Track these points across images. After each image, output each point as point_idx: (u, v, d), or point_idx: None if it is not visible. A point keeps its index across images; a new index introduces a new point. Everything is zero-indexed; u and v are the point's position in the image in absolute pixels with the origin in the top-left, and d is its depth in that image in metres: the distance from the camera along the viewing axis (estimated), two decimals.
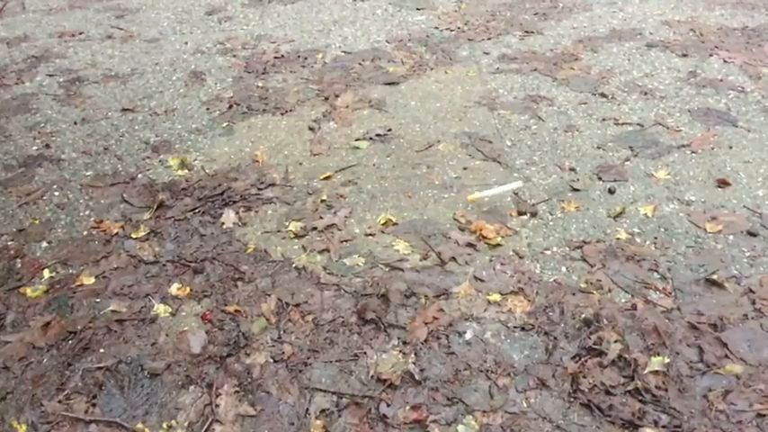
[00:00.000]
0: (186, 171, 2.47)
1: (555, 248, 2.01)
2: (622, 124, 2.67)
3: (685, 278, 1.88)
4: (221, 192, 2.32)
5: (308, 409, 1.54)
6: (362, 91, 3.03)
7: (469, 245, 2.03)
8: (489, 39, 3.55)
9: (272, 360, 1.66)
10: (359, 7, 4.12)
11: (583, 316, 1.75)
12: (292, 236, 2.10)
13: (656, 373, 1.58)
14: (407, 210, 2.21)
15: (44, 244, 2.11)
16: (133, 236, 2.12)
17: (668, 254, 1.97)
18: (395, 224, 2.14)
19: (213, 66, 3.36)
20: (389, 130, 2.69)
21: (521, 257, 1.97)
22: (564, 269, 1.93)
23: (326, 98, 2.98)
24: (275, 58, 3.42)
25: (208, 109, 2.93)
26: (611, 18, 3.77)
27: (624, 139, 2.56)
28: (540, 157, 2.47)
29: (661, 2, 3.98)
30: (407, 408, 1.53)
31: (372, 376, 1.61)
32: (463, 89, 3.01)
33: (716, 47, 3.32)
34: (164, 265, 2.00)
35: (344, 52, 3.47)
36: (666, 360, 1.60)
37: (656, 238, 2.04)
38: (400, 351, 1.67)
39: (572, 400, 1.54)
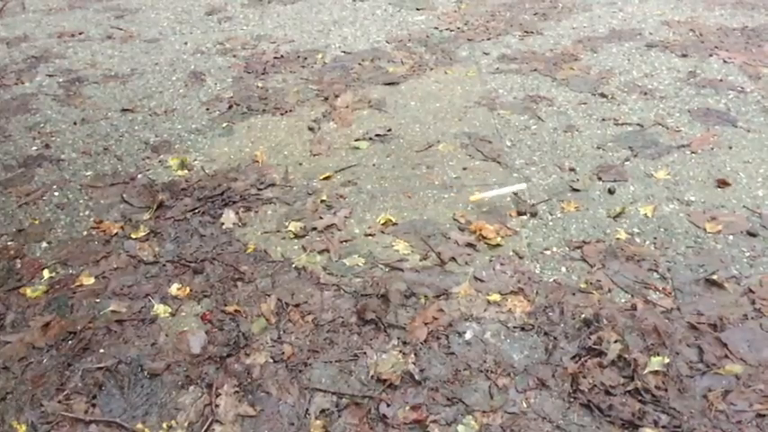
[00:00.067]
0: (186, 171, 2.47)
1: (555, 248, 2.01)
2: (622, 124, 2.67)
3: (685, 278, 1.88)
4: (221, 192, 2.32)
5: (307, 410, 1.54)
6: (362, 91, 3.03)
7: (469, 245, 2.03)
8: (489, 39, 3.56)
9: (271, 360, 1.66)
10: (358, 7, 4.12)
11: (583, 316, 1.75)
12: (292, 236, 2.10)
13: (655, 373, 1.58)
14: (407, 210, 2.21)
15: (44, 244, 2.11)
16: (133, 236, 2.12)
17: (668, 254, 1.97)
18: (395, 224, 2.14)
19: (213, 66, 3.36)
20: (389, 130, 2.69)
21: (521, 257, 1.98)
22: (564, 269, 1.93)
23: (326, 98, 2.98)
24: (275, 58, 3.42)
25: (207, 109, 2.93)
26: (610, 18, 3.78)
27: (624, 140, 2.56)
28: (539, 157, 2.47)
29: (661, 2, 3.98)
30: (407, 408, 1.53)
31: (372, 376, 1.61)
32: (463, 89, 3.01)
33: (716, 47, 3.32)
34: (163, 265, 2.00)
35: (344, 52, 3.47)
36: (666, 360, 1.60)
37: (655, 238, 2.04)
38: (400, 351, 1.67)
39: (572, 400, 1.54)
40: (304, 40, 3.65)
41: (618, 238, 2.04)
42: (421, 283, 1.88)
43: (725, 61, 3.16)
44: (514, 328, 1.73)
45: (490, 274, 1.91)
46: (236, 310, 1.81)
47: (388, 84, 3.08)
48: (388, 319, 1.76)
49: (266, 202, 2.27)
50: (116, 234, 2.14)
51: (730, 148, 2.48)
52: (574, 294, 1.83)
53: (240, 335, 1.74)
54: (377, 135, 2.65)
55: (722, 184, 2.27)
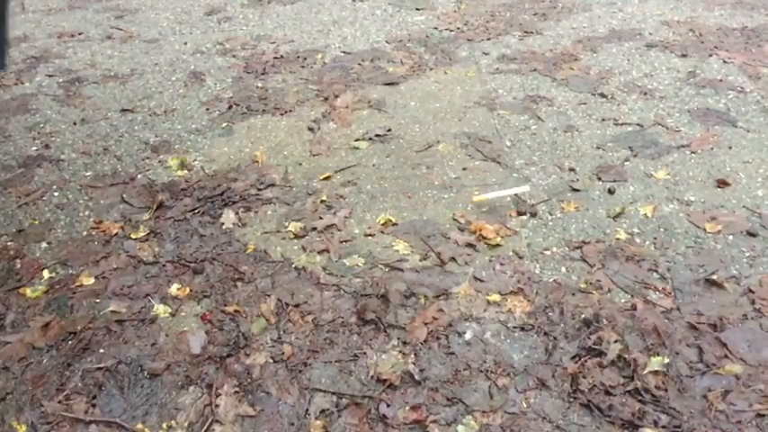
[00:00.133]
0: (186, 171, 2.47)
1: (554, 249, 2.01)
2: (622, 124, 2.67)
3: (685, 278, 1.88)
4: (221, 192, 2.32)
5: (307, 410, 1.54)
6: (362, 91, 3.03)
7: (469, 245, 2.03)
8: (489, 39, 3.56)
9: (271, 360, 1.66)
10: (358, 8, 4.12)
11: (582, 316, 1.75)
12: (292, 236, 2.10)
13: (655, 373, 1.58)
14: (407, 210, 2.21)
15: (44, 244, 2.11)
16: (133, 236, 2.12)
17: (668, 254, 1.97)
18: (394, 224, 2.14)
19: (213, 66, 3.36)
20: (389, 130, 2.69)
21: (520, 258, 1.98)
22: (564, 269, 1.93)
23: (326, 98, 2.98)
24: (275, 58, 3.42)
25: (207, 109, 2.93)
26: (610, 18, 3.78)
27: (624, 140, 2.56)
28: (539, 157, 2.47)
29: (660, 2, 3.98)
30: (407, 408, 1.53)
31: (372, 376, 1.61)
32: (463, 89, 3.02)
33: (715, 47, 3.32)
34: (163, 265, 2.00)
35: (344, 52, 3.47)
36: (666, 360, 1.60)
37: (655, 238, 2.04)
38: (400, 351, 1.67)
39: (572, 400, 1.54)
40: (304, 40, 3.65)
41: (618, 238, 2.04)
42: (421, 284, 1.88)
43: (725, 61, 3.16)
44: (514, 328, 1.73)
45: (490, 274, 1.91)
46: (236, 311, 1.81)
47: (388, 84, 3.08)
48: (387, 320, 1.76)
49: (266, 203, 2.27)
50: (116, 234, 2.14)
51: (730, 148, 2.48)
52: (574, 294, 1.83)
53: (240, 335, 1.74)
54: (377, 135, 2.65)
55: (722, 184, 2.27)
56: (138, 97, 3.06)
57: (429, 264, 1.96)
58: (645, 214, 2.14)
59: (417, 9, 4.06)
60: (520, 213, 2.16)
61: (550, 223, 2.12)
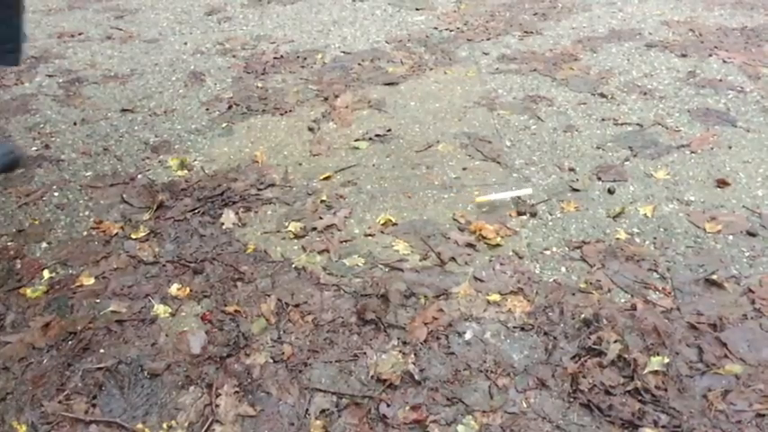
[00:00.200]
0: (186, 171, 2.47)
1: (554, 248, 2.01)
2: (622, 124, 2.67)
3: (685, 278, 1.88)
4: (221, 192, 2.33)
5: (307, 410, 1.54)
6: (362, 91, 3.03)
7: (469, 245, 2.03)
8: (488, 39, 3.56)
9: (271, 360, 1.67)
10: (358, 8, 4.12)
11: (582, 316, 1.75)
12: (292, 236, 2.10)
13: (655, 373, 1.58)
14: (407, 210, 2.21)
15: (44, 244, 2.11)
16: (133, 236, 2.12)
17: (668, 254, 1.98)
18: (394, 224, 2.14)
19: (213, 66, 3.36)
20: (389, 130, 2.69)
21: (520, 258, 1.98)
22: (563, 269, 1.93)
23: (326, 98, 2.98)
24: (275, 58, 3.42)
25: (207, 109, 2.93)
26: (610, 18, 3.78)
27: (623, 140, 2.56)
28: (539, 157, 2.48)
29: (660, 2, 3.98)
30: (407, 408, 1.53)
31: (372, 376, 1.61)
32: (462, 89, 3.02)
33: (715, 47, 3.32)
34: (163, 265, 2.00)
35: (344, 53, 3.47)
36: (666, 360, 1.61)
37: (655, 238, 2.04)
38: (400, 351, 1.67)
39: (572, 400, 1.54)
40: (304, 40, 3.66)
41: (618, 238, 2.04)
42: (421, 283, 1.88)
43: (724, 61, 3.16)
44: (514, 328, 1.73)
45: (490, 274, 1.91)
46: (236, 311, 1.81)
47: (388, 84, 3.08)
48: (387, 319, 1.76)
49: (266, 203, 2.27)
50: (116, 234, 2.14)
51: (730, 147, 2.48)
52: (574, 294, 1.83)
53: (240, 335, 1.74)
54: (377, 135, 2.65)
55: (722, 183, 2.27)
56: (138, 97, 3.07)
57: (429, 264, 1.96)
58: (645, 214, 2.14)
59: (417, 9, 4.06)
60: (520, 213, 2.16)
61: (550, 223, 2.12)
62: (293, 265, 1.98)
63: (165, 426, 1.52)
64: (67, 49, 3.64)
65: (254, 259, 2.01)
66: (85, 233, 2.16)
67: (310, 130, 2.73)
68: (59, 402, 1.57)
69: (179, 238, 2.11)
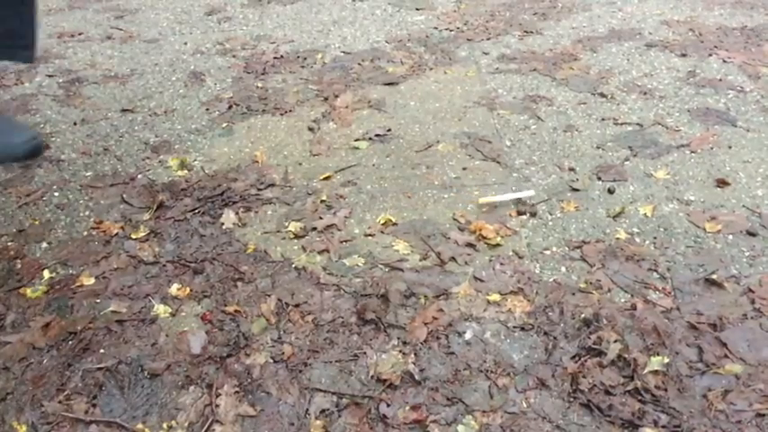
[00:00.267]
0: (186, 171, 2.47)
1: (554, 248, 2.01)
2: (622, 124, 2.67)
3: (685, 278, 1.88)
4: (221, 192, 2.33)
5: (307, 410, 1.54)
6: (362, 91, 3.03)
7: (469, 245, 2.03)
8: (488, 39, 3.56)
9: (271, 360, 1.67)
10: (358, 7, 4.12)
11: (582, 316, 1.75)
12: (292, 236, 2.11)
13: (655, 372, 1.58)
14: (407, 210, 2.21)
15: (44, 245, 2.11)
16: (133, 236, 2.12)
17: (668, 254, 1.98)
18: (394, 224, 2.14)
19: (213, 66, 3.36)
20: (389, 130, 2.69)
21: (520, 257, 1.98)
22: (563, 269, 1.93)
23: (326, 98, 2.98)
24: (275, 58, 3.42)
25: (207, 109, 2.94)
26: (610, 18, 3.78)
27: (623, 139, 2.56)
28: (539, 156, 2.48)
29: (660, 2, 3.98)
30: (407, 408, 1.53)
31: (372, 376, 1.61)
32: (462, 89, 3.02)
33: (715, 47, 3.32)
34: (164, 265, 2.00)
35: (344, 52, 3.47)
36: (666, 360, 1.61)
37: (655, 237, 2.04)
38: (400, 351, 1.67)
39: (572, 400, 1.54)
40: (304, 40, 3.66)
41: (618, 238, 2.04)
42: (421, 283, 1.88)
43: (724, 61, 3.16)
44: (514, 327, 1.73)
45: (490, 273, 1.91)
46: (236, 311, 1.82)
47: (388, 84, 3.08)
48: (388, 319, 1.76)
49: (266, 203, 2.28)
50: (116, 234, 2.14)
51: (730, 147, 2.48)
52: (574, 294, 1.83)
53: (240, 335, 1.74)
54: (377, 135, 2.65)
55: (722, 183, 2.28)
56: (138, 97, 3.07)
57: (429, 264, 1.97)
58: (645, 214, 2.14)
59: (417, 9, 4.06)
60: (520, 213, 2.16)
61: (550, 223, 2.13)
62: (293, 265, 1.98)
63: (165, 426, 1.52)
64: (67, 49, 3.64)
65: (254, 259, 2.02)
66: (85, 233, 2.16)
67: (310, 130, 2.73)
68: (59, 402, 1.57)
69: (179, 238, 2.12)
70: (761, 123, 2.63)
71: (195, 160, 2.54)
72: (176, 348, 1.71)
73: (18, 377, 1.65)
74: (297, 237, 2.10)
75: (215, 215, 2.21)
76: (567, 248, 2.01)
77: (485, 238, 2.05)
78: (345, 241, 2.07)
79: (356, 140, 2.63)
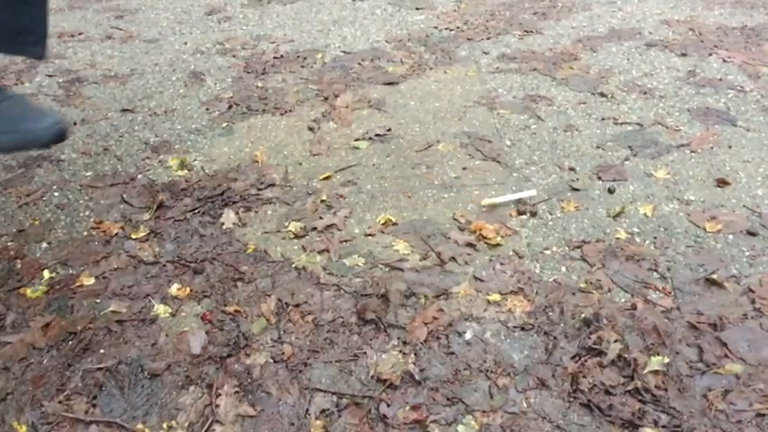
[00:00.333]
0: (186, 171, 2.47)
1: (554, 248, 2.01)
2: (622, 124, 2.67)
3: (685, 278, 1.88)
4: (221, 192, 2.33)
5: (308, 410, 1.54)
6: (362, 91, 3.03)
7: (469, 245, 2.03)
8: (488, 38, 3.56)
9: (272, 360, 1.67)
10: (358, 7, 4.12)
11: (582, 316, 1.75)
12: (292, 236, 2.11)
13: (655, 372, 1.58)
14: (407, 210, 2.21)
15: (44, 245, 2.12)
16: (133, 236, 2.12)
17: (668, 253, 1.98)
18: (394, 224, 2.14)
19: (213, 66, 3.36)
20: (389, 130, 2.69)
21: (520, 257, 1.98)
22: (564, 269, 1.93)
23: (326, 98, 2.98)
24: (275, 58, 3.42)
25: (207, 109, 2.93)
26: (610, 17, 3.78)
27: (623, 139, 2.56)
28: (539, 156, 2.48)
29: (660, 1, 3.98)
30: (407, 408, 1.53)
31: (372, 376, 1.61)
32: (462, 89, 3.02)
33: (715, 46, 3.32)
34: (164, 265, 2.00)
35: (344, 52, 3.47)
36: (666, 360, 1.61)
37: (655, 237, 2.04)
38: (400, 351, 1.67)
39: (572, 399, 1.54)
40: (304, 39, 3.66)
41: (618, 238, 2.04)
42: (421, 283, 1.88)
43: (724, 60, 3.16)
44: (514, 327, 1.73)
45: (490, 273, 1.91)
46: (236, 311, 1.82)
47: (388, 83, 3.08)
48: (388, 319, 1.76)
49: (266, 202, 2.27)
50: (116, 234, 2.14)
51: (730, 147, 2.48)
52: (574, 294, 1.83)
53: (240, 335, 1.74)
54: (377, 135, 2.65)
55: (722, 183, 2.27)
56: (138, 97, 3.07)
57: (429, 263, 1.97)
58: (645, 214, 2.14)
59: (417, 8, 4.06)
60: (520, 213, 2.16)
61: (550, 223, 2.13)
62: (293, 265, 1.98)
63: (165, 426, 1.52)
64: (67, 49, 3.64)
65: (254, 259, 2.02)
66: (86, 233, 2.16)
67: (310, 129, 2.73)
68: (59, 402, 1.57)
69: (179, 238, 2.12)
70: (761, 123, 2.63)
71: (195, 160, 2.54)
72: (176, 348, 1.71)
73: (18, 377, 1.65)
74: (297, 237, 2.10)
75: (215, 215, 2.21)
76: (567, 248, 2.01)
77: (485, 237, 2.05)
78: (345, 241, 2.07)
79: (356, 140, 2.63)
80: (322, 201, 2.26)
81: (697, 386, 1.55)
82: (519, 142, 2.57)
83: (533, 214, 2.15)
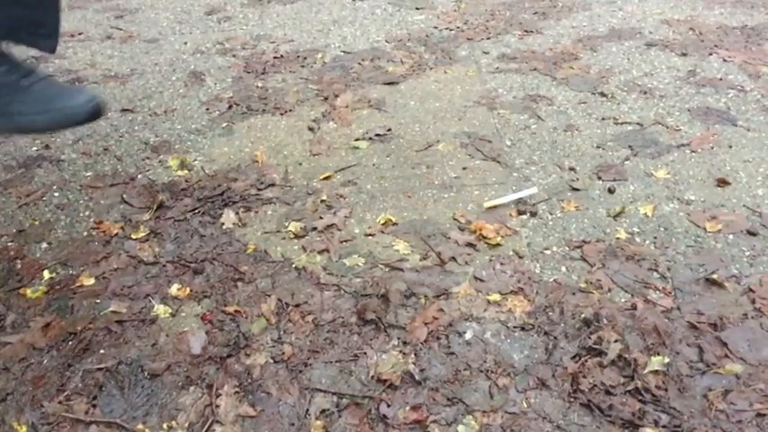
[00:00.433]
0: (186, 171, 2.47)
1: (555, 248, 2.01)
2: (622, 123, 2.67)
3: (685, 278, 1.88)
4: (221, 192, 2.33)
5: (308, 410, 1.54)
6: (362, 91, 3.03)
7: (469, 245, 2.03)
8: (488, 38, 3.56)
9: (272, 361, 1.67)
10: (358, 7, 4.12)
11: (583, 316, 1.75)
12: (292, 236, 2.10)
13: (655, 372, 1.58)
14: (407, 210, 2.21)
15: (44, 245, 2.11)
16: (133, 236, 2.12)
17: (668, 253, 1.97)
18: (395, 224, 2.14)
19: (213, 66, 3.36)
20: (389, 129, 2.69)
21: (520, 257, 1.98)
22: (564, 269, 1.93)
23: (326, 98, 2.98)
24: (275, 58, 3.42)
25: (207, 109, 2.93)
26: (610, 17, 3.78)
27: (624, 139, 2.56)
28: (539, 156, 2.47)
29: (660, 1, 3.98)
30: (407, 408, 1.53)
31: (372, 376, 1.61)
32: (462, 89, 3.02)
33: (715, 46, 3.32)
34: (164, 265, 2.00)
35: (344, 52, 3.47)
36: (666, 360, 1.61)
37: (655, 237, 2.04)
38: (400, 351, 1.67)
39: (572, 400, 1.54)
40: (304, 39, 3.65)
41: (618, 238, 2.04)
42: (421, 283, 1.88)
43: (725, 60, 3.16)
44: (514, 327, 1.73)
45: (490, 273, 1.91)
46: (236, 311, 1.81)
47: (388, 83, 3.08)
48: (388, 319, 1.76)
49: (266, 203, 2.27)
50: (116, 234, 2.14)
51: (730, 147, 2.48)
52: (574, 294, 1.83)
53: (240, 335, 1.74)
54: (377, 135, 2.65)
55: (722, 183, 2.27)
56: (138, 97, 3.07)
57: (429, 263, 1.96)
58: (645, 213, 2.14)
59: (417, 8, 4.06)
60: (520, 213, 2.16)
61: (550, 223, 2.12)
62: (293, 265, 1.98)
63: (165, 426, 1.52)
64: (67, 49, 3.64)
65: (254, 259, 2.01)
66: (85, 233, 2.16)
67: (310, 129, 2.73)
68: (59, 403, 1.57)
69: (179, 238, 2.12)
70: (761, 123, 2.63)
71: (195, 160, 2.54)
72: (176, 349, 1.71)
73: (18, 377, 1.65)
74: (297, 237, 2.10)
75: (215, 215, 2.21)
76: (567, 248, 2.01)
77: (485, 237, 2.05)
78: (345, 241, 2.07)
79: (356, 140, 2.63)
80: (322, 201, 2.26)
81: (697, 386, 1.55)
82: (519, 142, 2.57)
83: (533, 214, 2.15)
